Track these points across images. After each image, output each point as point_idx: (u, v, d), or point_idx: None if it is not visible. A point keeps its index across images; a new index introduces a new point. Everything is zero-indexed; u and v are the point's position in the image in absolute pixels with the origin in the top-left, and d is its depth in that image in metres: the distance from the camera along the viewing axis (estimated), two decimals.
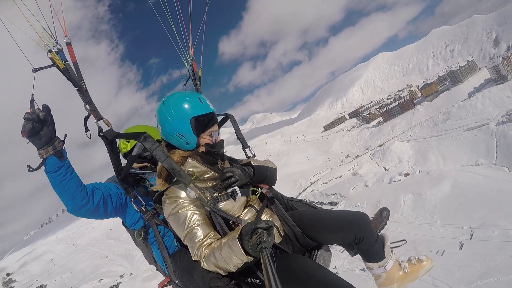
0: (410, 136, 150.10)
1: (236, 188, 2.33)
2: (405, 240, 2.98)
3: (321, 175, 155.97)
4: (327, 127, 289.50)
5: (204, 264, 2.09)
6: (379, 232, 2.82)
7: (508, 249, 38.27)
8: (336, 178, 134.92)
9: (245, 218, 2.44)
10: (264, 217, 2.58)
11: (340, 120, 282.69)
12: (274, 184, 2.80)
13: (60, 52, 2.37)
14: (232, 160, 2.81)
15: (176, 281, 2.65)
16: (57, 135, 2.38)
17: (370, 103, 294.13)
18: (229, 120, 3.11)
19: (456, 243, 46.60)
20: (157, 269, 3.26)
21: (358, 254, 2.68)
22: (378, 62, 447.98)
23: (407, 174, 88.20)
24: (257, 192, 2.57)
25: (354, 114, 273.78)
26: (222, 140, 2.59)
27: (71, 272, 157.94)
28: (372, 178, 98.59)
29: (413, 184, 76.74)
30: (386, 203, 73.55)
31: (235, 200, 2.34)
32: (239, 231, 1.90)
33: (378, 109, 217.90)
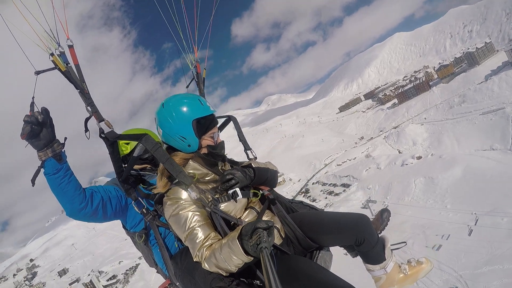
0: (425, 118, 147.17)
1: (237, 189, 2.34)
2: (405, 242, 2.98)
3: (335, 157, 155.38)
4: (342, 109, 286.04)
5: (205, 265, 2.09)
6: (379, 233, 2.85)
7: None
8: (350, 160, 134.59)
9: (246, 220, 2.43)
10: (265, 218, 2.57)
11: (355, 101, 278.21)
12: (275, 186, 2.79)
13: (62, 54, 2.41)
14: (233, 162, 2.84)
15: (177, 283, 2.69)
16: (57, 137, 2.45)
17: (385, 84, 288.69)
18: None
19: (464, 228, 46.12)
20: (157, 272, 3.33)
21: (358, 255, 2.72)
22: (394, 42, 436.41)
23: (419, 158, 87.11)
24: (258, 194, 2.59)
25: (370, 95, 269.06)
26: (223, 141, 2.63)
27: (92, 255, 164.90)
28: (384, 161, 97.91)
29: (425, 168, 75.47)
30: (397, 186, 73.71)
31: (236, 201, 2.36)
32: (239, 231, 1.92)
33: (393, 91, 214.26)
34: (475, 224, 46.66)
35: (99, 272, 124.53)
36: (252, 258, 1.88)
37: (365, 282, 2.88)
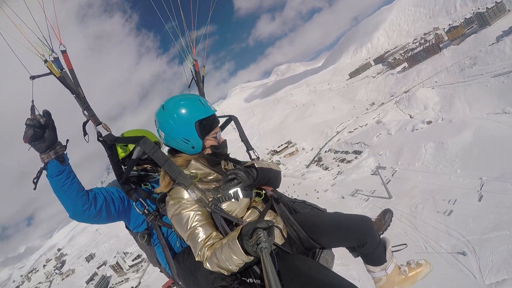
0: (435, 82, 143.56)
1: (238, 189, 2.31)
2: (405, 244, 2.90)
3: (347, 124, 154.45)
4: (352, 75, 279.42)
5: (207, 265, 2.07)
6: (381, 234, 2.84)
7: None
8: (361, 127, 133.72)
9: (248, 220, 2.38)
10: (267, 218, 2.52)
11: (365, 66, 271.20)
12: (278, 187, 2.76)
13: (56, 60, 2.39)
14: (236, 162, 2.82)
15: (180, 282, 2.67)
16: (59, 140, 2.44)
17: (395, 48, 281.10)
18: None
19: (473, 193, 45.56)
20: (161, 271, 3.31)
21: (359, 256, 2.71)
22: (402, 4, 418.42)
23: (429, 122, 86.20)
24: (261, 194, 2.51)
25: (379, 60, 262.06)
26: (225, 140, 2.59)
27: (117, 238, 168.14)
28: (395, 126, 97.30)
29: (435, 132, 74.51)
30: (408, 152, 73.57)
31: (237, 200, 2.32)
32: (239, 231, 1.90)
33: (403, 54, 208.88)
34: (481, 189, 46.15)
35: (124, 253, 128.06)
36: (252, 258, 1.89)
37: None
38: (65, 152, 2.48)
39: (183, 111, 2.34)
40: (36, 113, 2.30)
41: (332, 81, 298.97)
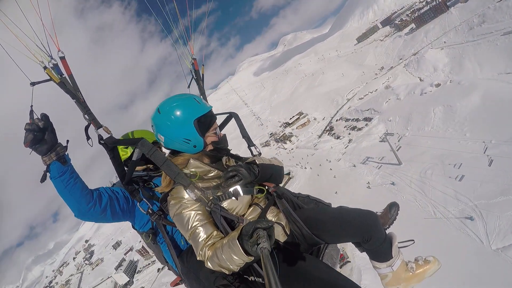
0: (444, 42, 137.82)
1: (238, 187, 2.29)
2: (413, 240, 2.77)
3: (357, 91, 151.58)
4: (360, 39, 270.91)
5: (208, 264, 2.05)
6: (387, 228, 2.75)
7: None
8: (371, 92, 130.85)
9: (250, 217, 2.37)
10: (270, 215, 2.50)
11: (373, 30, 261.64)
12: (280, 183, 2.71)
13: (55, 67, 2.39)
14: (237, 158, 2.79)
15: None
16: (59, 141, 2.43)
17: (402, 8, 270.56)
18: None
19: (482, 157, 44.42)
20: (168, 269, 3.28)
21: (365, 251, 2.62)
22: None
23: (438, 85, 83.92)
24: (264, 191, 2.49)
25: (387, 22, 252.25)
26: (225, 135, 2.58)
27: None
28: (404, 91, 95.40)
29: (444, 96, 72.39)
30: (417, 117, 72.20)
31: (236, 199, 2.30)
32: (240, 231, 1.88)
33: (410, 15, 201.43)
34: (484, 153, 45.24)
35: None
36: (252, 258, 1.87)
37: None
38: (66, 153, 2.49)
39: (180, 111, 2.33)
40: (35, 117, 2.32)
41: (340, 47, 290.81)
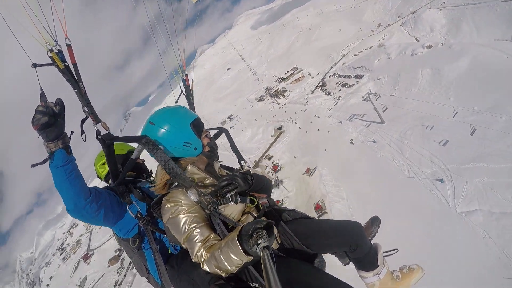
0: (443, 3, 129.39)
1: (235, 194, 2.27)
2: (396, 249, 2.83)
3: (352, 47, 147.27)
4: None
5: (204, 266, 1.99)
6: (370, 240, 2.77)
7: (508, 139, 35.92)
8: (366, 50, 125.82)
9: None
10: None
11: None
12: (270, 194, 2.72)
13: (60, 53, 2.28)
14: (229, 169, 2.79)
15: None
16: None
17: None
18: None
19: (460, 123, 43.35)
20: (149, 281, 3.12)
21: (350, 263, 2.66)
22: None
23: (429, 47, 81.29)
24: (255, 201, 2.46)
25: None
26: (213, 137, 2.60)
27: None
28: (395, 50, 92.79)
29: (433, 58, 70.21)
30: (405, 77, 70.77)
31: (236, 203, 2.27)
32: (239, 231, 1.83)
33: None
34: (453, 117, 45.07)
35: None
36: (252, 258, 1.81)
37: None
38: (69, 143, 2.37)
39: (175, 117, 2.35)
40: (48, 100, 2.20)
41: (339, 1, 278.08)
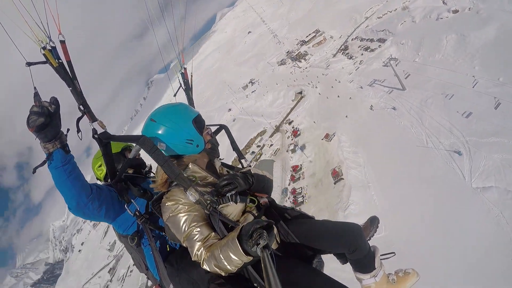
0: None
1: (236, 193, 2.20)
2: (394, 252, 2.77)
3: (376, 9, 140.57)
4: None
5: (204, 265, 1.95)
6: (368, 240, 2.73)
7: None
8: (390, 12, 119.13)
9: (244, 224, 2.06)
10: None
11: None
12: (270, 194, 2.66)
13: (53, 50, 2.18)
14: (230, 167, 2.73)
15: (170, 285, 2.44)
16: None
17: None
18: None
19: (485, 96, 39.63)
20: (148, 277, 3.08)
21: (347, 263, 2.59)
22: None
23: (456, 11, 76.21)
24: (255, 201, 2.38)
25: None
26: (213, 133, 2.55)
27: None
28: (420, 13, 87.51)
29: (459, 23, 65.49)
30: (429, 42, 67.39)
31: (236, 203, 2.20)
32: (239, 230, 1.79)
33: None
34: (473, 87, 41.96)
35: None
36: (251, 258, 1.78)
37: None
38: (66, 142, 2.29)
39: (177, 114, 2.29)
40: (42, 100, 2.12)
41: None
